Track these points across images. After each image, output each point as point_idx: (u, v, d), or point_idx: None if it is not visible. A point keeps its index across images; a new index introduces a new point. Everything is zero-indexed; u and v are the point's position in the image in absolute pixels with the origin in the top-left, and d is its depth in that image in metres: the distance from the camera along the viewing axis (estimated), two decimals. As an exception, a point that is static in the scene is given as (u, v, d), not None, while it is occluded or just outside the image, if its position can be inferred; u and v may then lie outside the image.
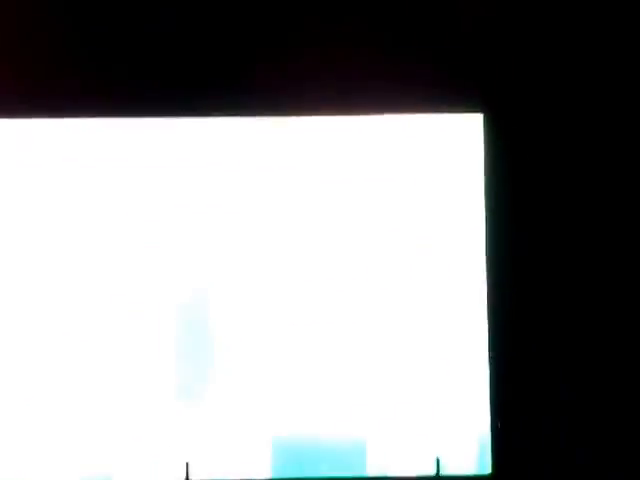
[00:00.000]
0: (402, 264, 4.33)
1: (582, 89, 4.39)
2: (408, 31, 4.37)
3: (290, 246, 4.31)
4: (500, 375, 4.27)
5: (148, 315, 4.28)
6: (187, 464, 4.22)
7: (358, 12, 4.36)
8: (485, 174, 4.31)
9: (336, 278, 4.31)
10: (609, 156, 4.38)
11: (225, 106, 4.31)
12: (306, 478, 4.20)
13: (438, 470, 4.22)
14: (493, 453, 4.24)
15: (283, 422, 4.25)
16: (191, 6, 4.34)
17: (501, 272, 4.29)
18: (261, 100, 4.31)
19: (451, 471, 4.25)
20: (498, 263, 4.29)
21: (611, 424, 4.28)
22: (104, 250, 4.27)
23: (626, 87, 4.39)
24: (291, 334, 4.29)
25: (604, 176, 4.37)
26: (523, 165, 4.34)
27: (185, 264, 4.30)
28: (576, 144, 4.38)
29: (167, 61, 4.35)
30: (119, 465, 4.23)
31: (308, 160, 4.35)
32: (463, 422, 4.27)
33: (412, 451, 4.27)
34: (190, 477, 4.23)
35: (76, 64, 4.33)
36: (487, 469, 4.24)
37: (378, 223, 4.34)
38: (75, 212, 4.29)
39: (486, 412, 4.26)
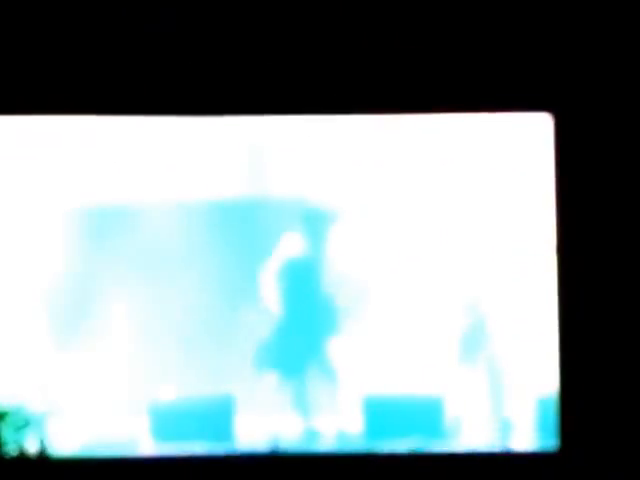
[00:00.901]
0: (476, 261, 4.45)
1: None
2: (477, 31, 4.46)
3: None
4: (569, 351, 4.30)
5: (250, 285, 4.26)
6: (273, 436, 4.29)
7: (428, 12, 4.43)
8: (555, 174, 4.37)
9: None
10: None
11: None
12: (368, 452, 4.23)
13: (504, 444, 4.31)
14: (560, 429, 4.29)
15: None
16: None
17: (573, 272, 4.32)
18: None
19: (518, 445, 4.34)
20: (570, 260, 4.33)
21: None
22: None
23: None
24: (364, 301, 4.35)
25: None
26: (591, 165, 4.40)
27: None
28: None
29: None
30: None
31: (383, 158, 4.48)
32: (531, 396, 4.35)
33: (480, 424, 4.37)
34: (277, 448, 4.28)
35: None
36: (553, 444, 4.30)
37: (447, 223, 4.44)
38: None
39: (555, 387, 4.31)
